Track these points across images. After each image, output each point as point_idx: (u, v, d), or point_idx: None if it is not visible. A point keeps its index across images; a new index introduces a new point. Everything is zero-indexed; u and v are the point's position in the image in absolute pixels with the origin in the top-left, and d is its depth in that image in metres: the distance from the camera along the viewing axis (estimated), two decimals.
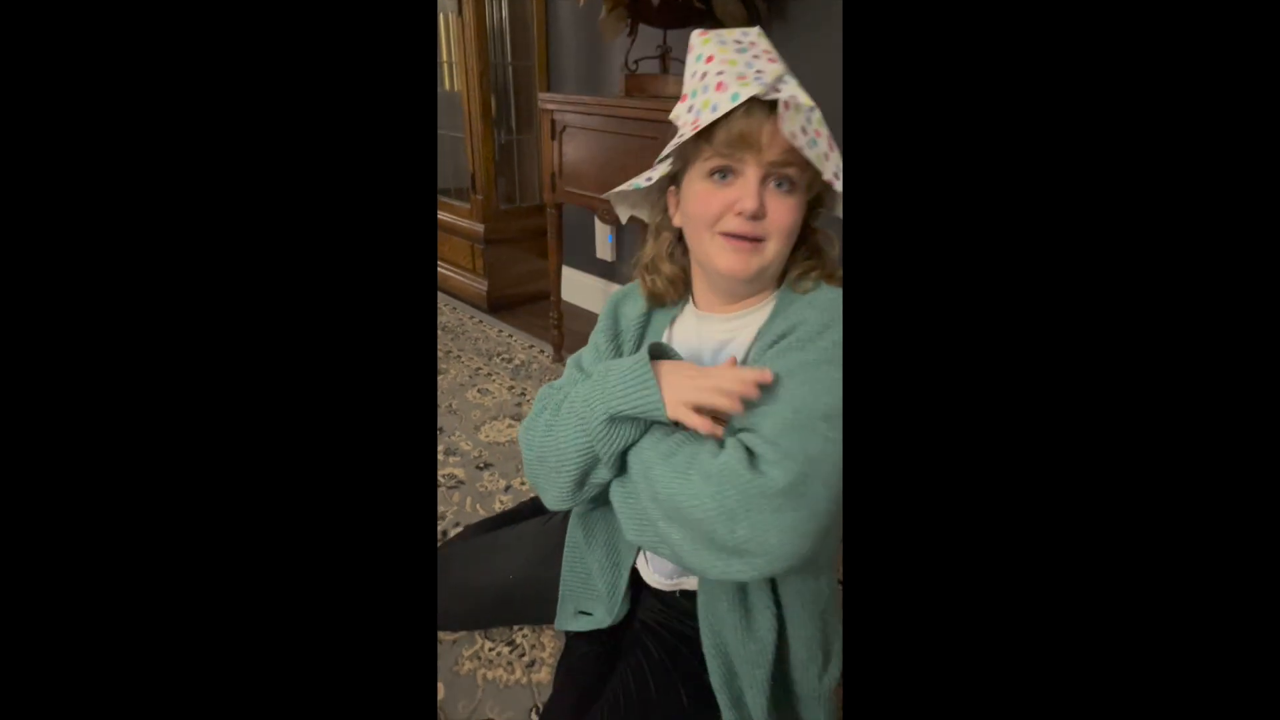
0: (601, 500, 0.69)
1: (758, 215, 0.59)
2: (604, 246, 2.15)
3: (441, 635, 0.97)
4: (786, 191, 0.60)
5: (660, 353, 0.64)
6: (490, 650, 0.95)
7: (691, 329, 0.70)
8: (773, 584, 0.66)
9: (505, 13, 2.07)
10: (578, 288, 2.28)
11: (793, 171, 0.60)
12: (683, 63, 1.70)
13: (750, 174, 0.59)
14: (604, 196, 0.71)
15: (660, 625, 0.77)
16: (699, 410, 0.57)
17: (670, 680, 0.71)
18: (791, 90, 0.58)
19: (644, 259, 0.72)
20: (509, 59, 2.12)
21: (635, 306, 0.75)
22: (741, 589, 0.66)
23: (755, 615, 0.66)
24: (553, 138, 1.56)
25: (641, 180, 0.66)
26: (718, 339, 0.67)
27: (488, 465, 1.39)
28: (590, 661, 0.78)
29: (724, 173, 0.61)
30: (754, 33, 0.63)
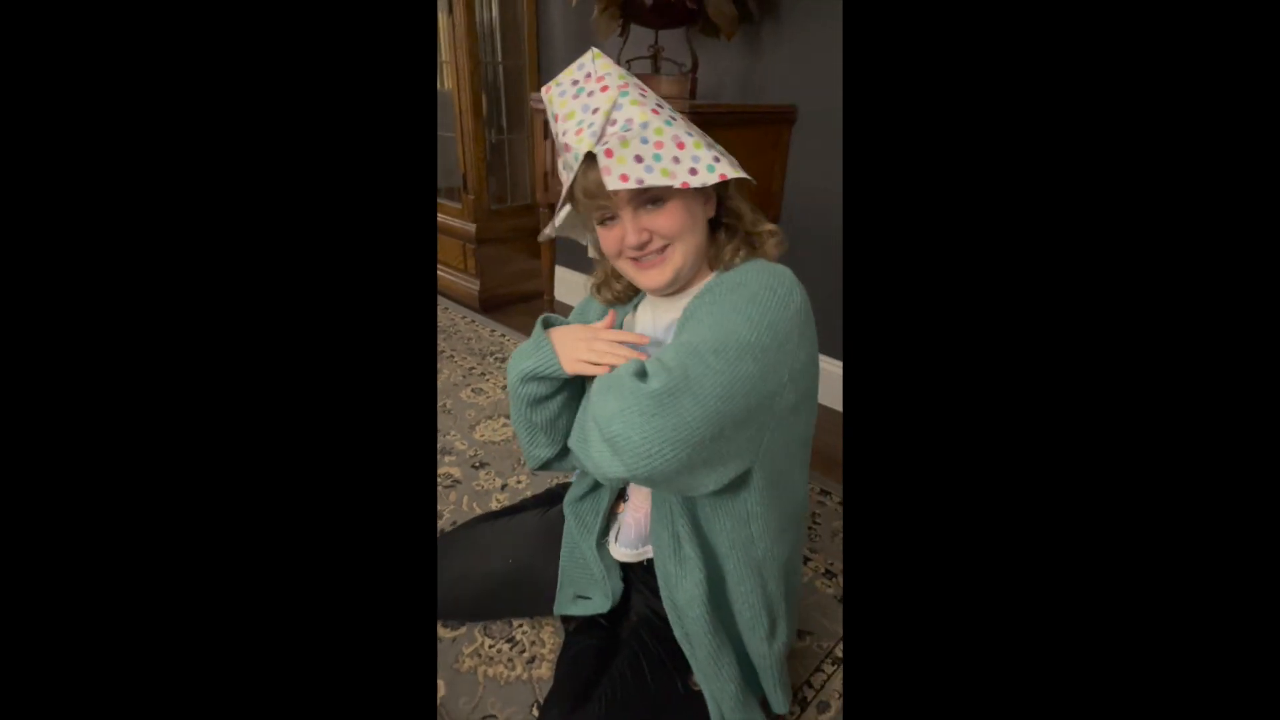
0: (592, 485, 0.77)
1: (644, 243, 0.67)
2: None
3: (442, 633, 0.97)
4: (659, 206, 0.66)
5: (552, 323, 0.74)
6: (490, 648, 0.95)
7: (648, 316, 0.77)
8: (697, 527, 0.72)
9: (495, 12, 2.07)
10: (571, 287, 2.29)
11: (653, 192, 0.66)
12: (674, 62, 1.70)
13: (624, 213, 0.66)
14: (540, 239, 0.80)
15: (657, 615, 0.79)
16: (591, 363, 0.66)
17: (665, 670, 0.74)
18: (614, 129, 0.63)
19: (596, 280, 0.82)
20: (499, 58, 2.12)
21: (598, 309, 0.83)
22: (675, 534, 0.72)
23: (685, 554, 0.72)
24: (545, 137, 1.57)
25: (548, 230, 0.75)
26: (668, 320, 0.74)
27: (483, 464, 1.40)
28: (589, 655, 0.80)
29: (604, 218, 0.69)
30: (588, 59, 0.68)
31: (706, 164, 0.63)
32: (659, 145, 0.63)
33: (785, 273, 0.66)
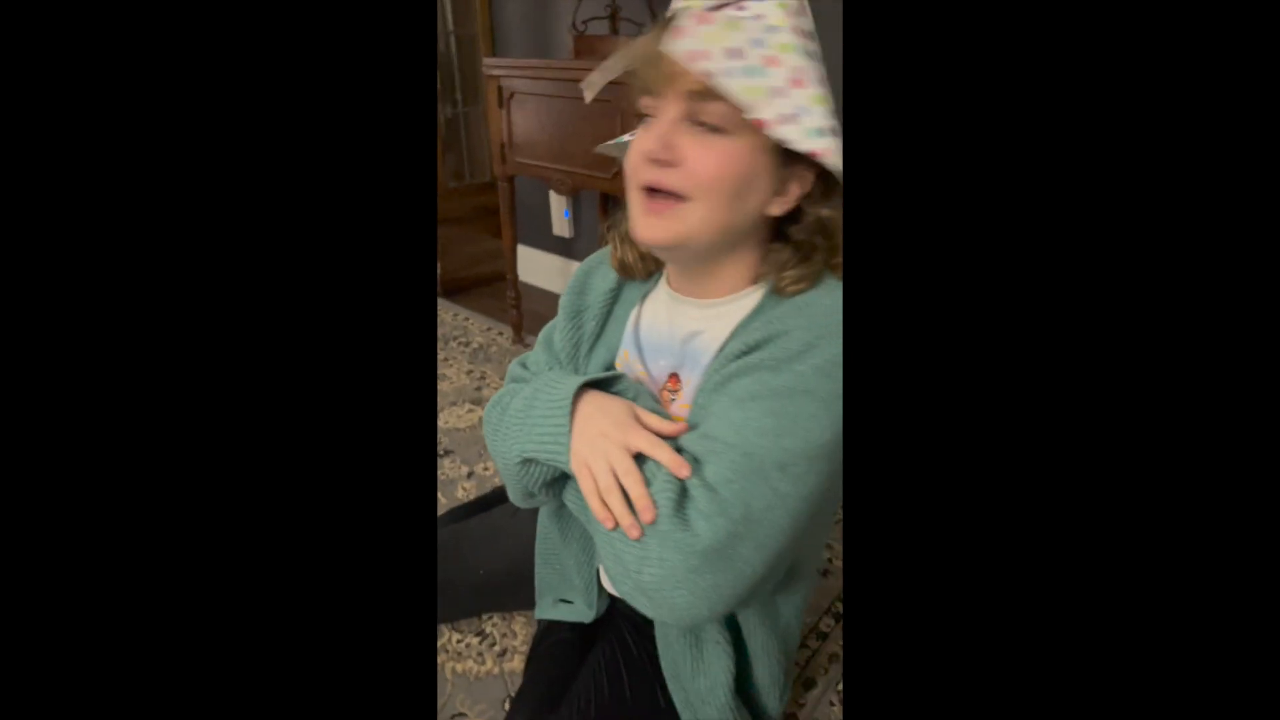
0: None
1: (664, 159, 0.47)
2: (560, 223, 2.08)
3: None
4: (710, 134, 0.47)
5: (601, 382, 0.54)
6: (459, 642, 0.90)
7: (663, 311, 0.60)
8: (731, 617, 0.60)
9: None
10: (535, 267, 2.21)
11: (717, 108, 0.46)
12: (634, 22, 1.62)
13: (666, 110, 0.48)
14: (599, 149, 0.62)
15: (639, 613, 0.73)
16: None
17: (646, 678, 0.66)
18: (734, 10, 0.45)
19: (620, 224, 0.61)
20: (450, 27, 2.02)
21: (605, 279, 0.65)
22: (692, 630, 0.60)
23: (707, 650, 0.60)
24: (500, 106, 1.48)
25: (589, 86, 0.55)
26: (689, 328, 0.57)
27: (448, 452, 1.33)
28: (563, 649, 0.74)
29: (645, 112, 0.50)
30: None
31: (811, 125, 0.45)
32: (771, 61, 0.45)
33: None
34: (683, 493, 0.47)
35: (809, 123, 0.46)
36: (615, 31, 1.42)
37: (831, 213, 0.52)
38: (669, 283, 0.61)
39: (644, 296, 0.63)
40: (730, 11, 0.46)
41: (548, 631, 0.77)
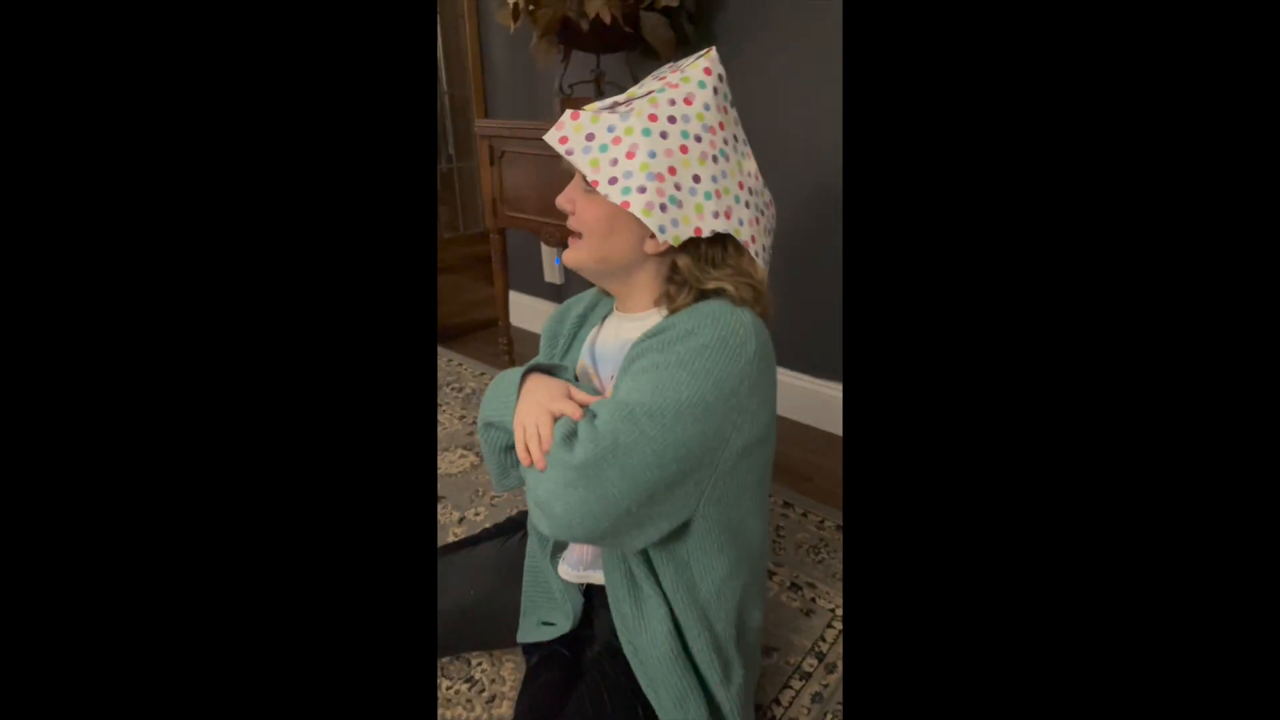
0: None
1: (567, 210, 0.69)
2: (551, 270, 2.15)
3: None
4: (590, 193, 0.66)
5: (549, 370, 0.71)
6: (449, 689, 0.92)
7: (610, 328, 0.76)
8: (651, 566, 0.69)
9: (440, 41, 2.07)
10: (527, 312, 2.27)
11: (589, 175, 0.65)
12: (618, 86, 1.72)
13: (576, 176, 0.68)
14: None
15: (619, 645, 0.76)
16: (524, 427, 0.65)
17: (626, 696, 0.71)
18: (608, 106, 0.65)
19: None
20: (445, 88, 2.12)
21: (577, 308, 0.82)
22: (629, 574, 0.70)
23: (644, 595, 0.69)
24: (492, 163, 1.56)
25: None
26: (623, 338, 0.72)
27: (440, 497, 1.36)
28: (549, 689, 0.77)
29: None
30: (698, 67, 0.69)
31: (626, 186, 0.62)
32: (617, 140, 0.63)
33: (742, 318, 0.63)
34: (573, 431, 0.62)
35: (624, 184, 0.62)
36: (600, 94, 1.50)
37: (686, 254, 0.67)
38: (616, 306, 0.77)
39: (603, 319, 0.79)
40: (603, 107, 0.65)
41: (535, 672, 0.81)
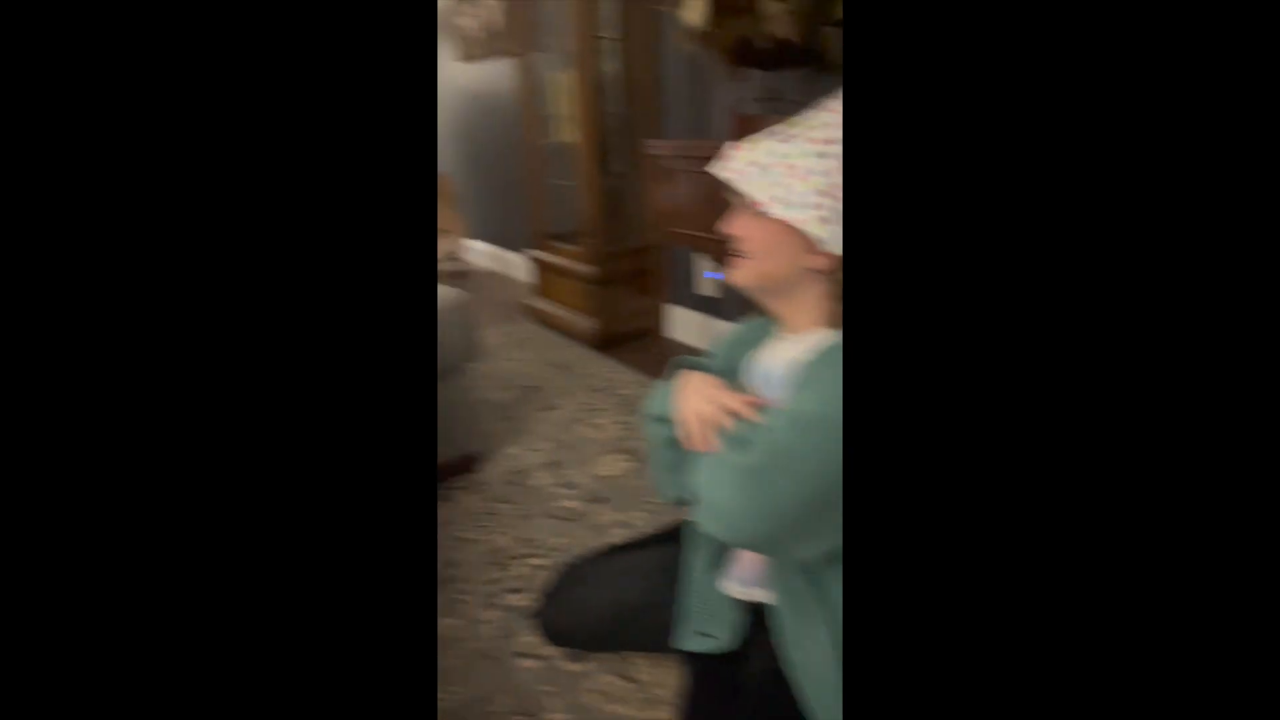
0: None
1: (731, 235, 0.72)
2: (702, 283, 2.18)
3: (566, 666, 0.99)
4: (755, 215, 0.70)
5: (686, 365, 0.78)
6: (607, 683, 0.96)
7: (777, 349, 0.79)
8: (821, 585, 0.69)
9: (620, 64, 2.19)
10: (682, 324, 2.31)
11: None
12: (796, 102, 1.71)
13: (740, 200, 0.72)
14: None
15: (780, 666, 0.75)
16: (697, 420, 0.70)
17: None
18: (774, 139, 0.68)
19: None
20: (622, 107, 2.24)
21: (757, 331, 0.84)
22: (798, 590, 0.70)
23: (811, 615, 0.69)
24: (657, 181, 1.62)
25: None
26: (787, 357, 0.74)
27: (602, 499, 1.42)
28: (708, 708, 0.78)
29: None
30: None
31: (801, 205, 0.66)
32: (785, 165, 0.67)
33: None
34: (746, 435, 0.64)
35: (797, 204, 0.66)
36: (776, 113, 1.51)
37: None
38: (781, 328, 0.80)
39: (767, 341, 0.81)
40: (765, 138, 0.69)
41: (693, 686, 0.82)
